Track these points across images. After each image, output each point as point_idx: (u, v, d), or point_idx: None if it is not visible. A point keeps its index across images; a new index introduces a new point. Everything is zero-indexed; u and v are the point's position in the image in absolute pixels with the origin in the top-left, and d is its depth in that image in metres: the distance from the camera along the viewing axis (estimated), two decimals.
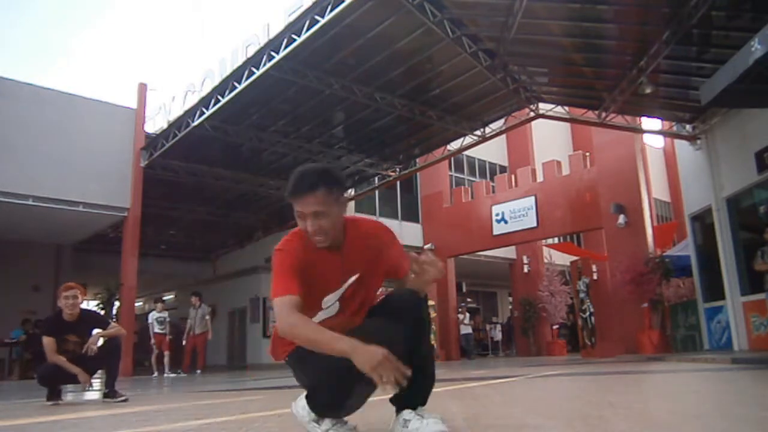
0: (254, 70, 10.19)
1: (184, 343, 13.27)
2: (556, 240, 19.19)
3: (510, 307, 22.68)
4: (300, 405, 2.04)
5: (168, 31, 71.68)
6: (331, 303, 1.99)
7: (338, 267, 1.98)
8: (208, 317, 13.12)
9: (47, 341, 4.84)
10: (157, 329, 12.67)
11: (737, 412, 2.91)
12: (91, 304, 14.95)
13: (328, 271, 1.96)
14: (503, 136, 16.64)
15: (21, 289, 15.28)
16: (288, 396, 5.34)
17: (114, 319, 12.28)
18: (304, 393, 2.02)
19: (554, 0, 8.30)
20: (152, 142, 13.23)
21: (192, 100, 12.03)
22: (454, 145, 14.18)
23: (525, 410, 3.09)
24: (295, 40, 9.34)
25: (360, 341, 1.69)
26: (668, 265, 12.36)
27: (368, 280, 2.03)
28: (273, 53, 9.76)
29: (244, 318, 19.16)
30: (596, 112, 11.63)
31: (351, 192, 16.72)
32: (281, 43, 9.57)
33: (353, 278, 1.99)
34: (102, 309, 12.44)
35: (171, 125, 12.71)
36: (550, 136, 21.17)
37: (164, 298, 15.29)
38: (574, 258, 15.06)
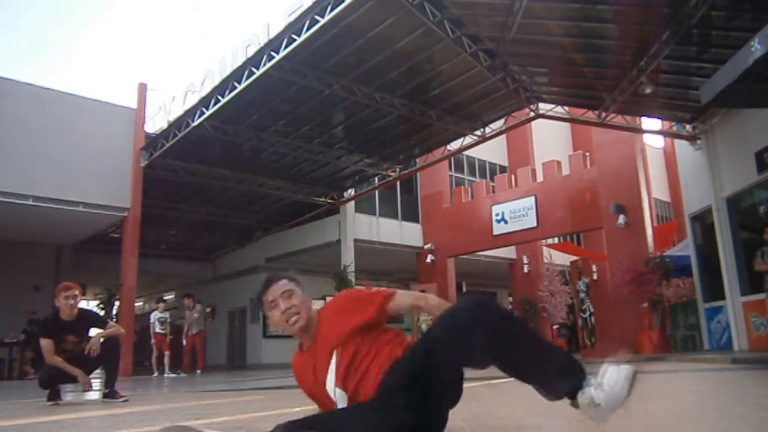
0: (254, 70, 10.18)
1: (184, 342, 13.27)
2: (556, 240, 19.17)
3: (510, 307, 22.66)
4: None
5: (168, 31, 71.68)
6: (334, 392, 1.96)
7: (316, 359, 2.00)
8: (197, 314, 13.11)
9: (45, 343, 4.81)
10: (158, 329, 12.68)
11: (737, 412, 2.91)
12: (91, 304, 14.96)
13: (318, 365, 1.99)
14: (503, 136, 16.62)
15: (21, 289, 15.28)
16: (288, 396, 5.34)
17: (114, 319, 12.28)
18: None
19: (554, 0, 8.30)
20: (152, 142, 13.23)
21: (192, 100, 12.02)
22: (454, 145, 14.17)
23: (525, 410, 3.08)
24: (295, 40, 9.34)
25: None
26: (668, 265, 12.35)
27: (361, 343, 1.95)
28: (273, 53, 9.76)
29: (244, 318, 19.17)
30: (596, 112, 11.62)
31: (351, 192, 16.73)
32: (281, 43, 9.57)
33: (334, 356, 1.96)
34: (102, 309, 12.42)
35: (171, 125, 12.70)
36: (550, 136, 21.15)
37: (165, 298, 15.29)
38: (574, 258, 15.06)
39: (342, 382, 1.92)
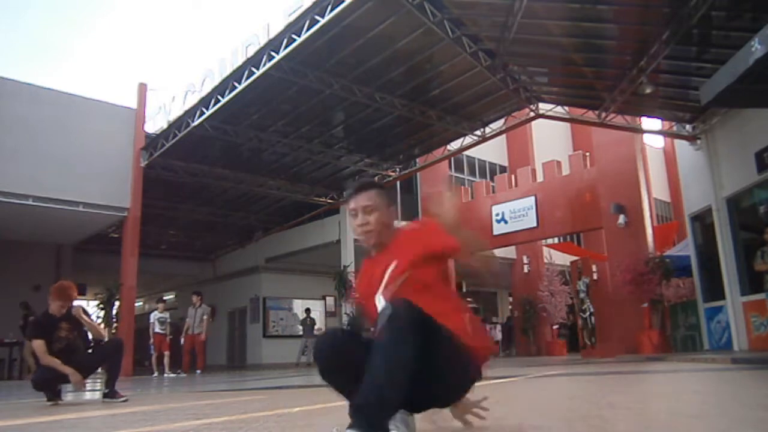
0: (254, 70, 10.19)
1: (182, 342, 13.26)
2: (556, 240, 19.18)
3: (510, 307, 22.67)
4: None
5: (168, 31, 71.72)
6: (380, 302, 2.01)
7: (383, 266, 2.05)
8: (206, 317, 13.11)
9: (37, 344, 4.79)
10: (158, 329, 12.67)
11: (737, 412, 2.91)
12: (91, 304, 14.95)
13: (376, 273, 2.06)
14: (503, 136, 16.64)
15: (21, 289, 15.26)
16: (288, 396, 5.34)
17: (114, 320, 12.30)
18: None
19: (554, 0, 8.30)
20: (152, 142, 13.23)
21: (192, 100, 12.02)
22: (454, 145, 14.18)
23: (525, 410, 3.08)
24: (295, 40, 9.34)
25: None
26: (668, 265, 12.35)
27: (416, 268, 2.02)
28: (273, 53, 9.76)
29: (244, 318, 19.17)
30: (596, 112, 11.62)
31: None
32: (281, 43, 9.57)
33: (391, 267, 2.02)
34: (102, 309, 12.43)
35: (171, 125, 12.70)
36: (550, 136, 21.16)
37: (165, 298, 15.30)
38: (574, 258, 15.06)
39: (385, 291, 2.01)
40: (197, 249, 21.70)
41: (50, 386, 4.93)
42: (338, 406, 3.58)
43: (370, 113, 12.27)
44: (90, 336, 5.22)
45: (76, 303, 5.11)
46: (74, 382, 4.82)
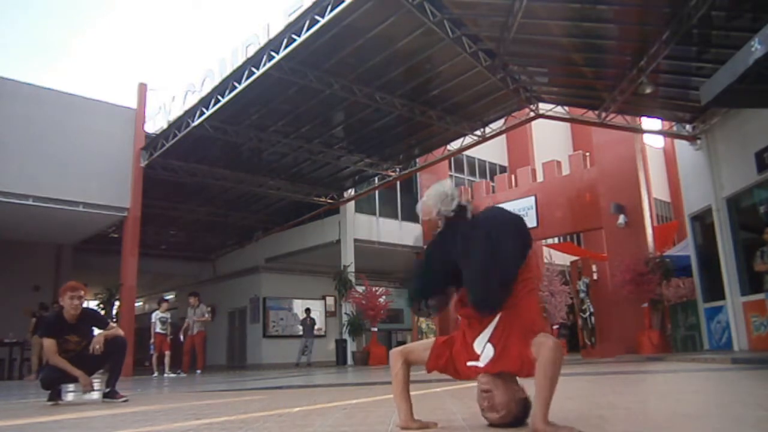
0: (254, 70, 10.19)
1: (182, 339, 13.23)
2: (556, 240, 19.17)
3: None
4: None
5: (168, 31, 71.67)
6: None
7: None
8: (207, 314, 13.13)
9: (48, 343, 4.80)
10: (159, 329, 12.67)
11: (737, 412, 2.91)
12: (91, 305, 14.92)
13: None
14: (503, 136, 16.64)
15: (21, 289, 15.27)
16: (288, 396, 5.34)
17: (114, 320, 12.28)
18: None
19: (554, 0, 8.30)
20: (152, 142, 13.23)
21: (192, 100, 12.02)
22: (454, 145, 14.18)
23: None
24: (295, 40, 9.34)
25: None
26: (668, 265, 12.34)
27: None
28: (273, 53, 9.76)
29: (244, 318, 19.16)
30: (596, 112, 11.62)
31: (351, 192, 16.72)
32: (281, 43, 9.57)
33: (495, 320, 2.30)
34: (102, 309, 12.41)
35: (171, 125, 12.70)
36: (550, 136, 21.16)
37: (166, 297, 15.29)
38: (574, 258, 15.05)
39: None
40: (197, 249, 21.70)
41: (57, 385, 4.95)
42: (338, 406, 3.58)
43: (370, 113, 12.27)
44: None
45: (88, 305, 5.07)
46: (83, 384, 4.83)
